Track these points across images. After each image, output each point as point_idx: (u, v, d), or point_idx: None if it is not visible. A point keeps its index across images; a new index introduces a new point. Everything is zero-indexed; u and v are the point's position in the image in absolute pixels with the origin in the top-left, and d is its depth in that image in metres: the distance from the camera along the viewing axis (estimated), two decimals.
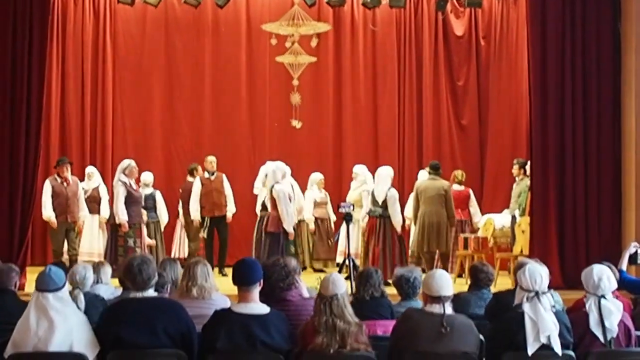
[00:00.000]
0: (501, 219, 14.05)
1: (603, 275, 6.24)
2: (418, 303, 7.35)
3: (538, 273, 5.95)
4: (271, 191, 12.50)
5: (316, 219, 14.85)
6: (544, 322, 5.81)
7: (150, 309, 5.69)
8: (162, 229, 14.61)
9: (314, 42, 13.44)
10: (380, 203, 13.12)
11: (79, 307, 6.16)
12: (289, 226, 12.30)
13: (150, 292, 5.82)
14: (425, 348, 5.72)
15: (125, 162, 13.05)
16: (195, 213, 14.32)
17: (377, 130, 16.80)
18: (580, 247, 12.39)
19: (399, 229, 13.05)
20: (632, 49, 12.32)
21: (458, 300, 7.71)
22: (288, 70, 14.28)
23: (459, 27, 16.89)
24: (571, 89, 12.47)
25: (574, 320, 6.22)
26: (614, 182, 12.47)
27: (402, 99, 16.80)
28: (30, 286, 10.03)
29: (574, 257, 12.26)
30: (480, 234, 13.91)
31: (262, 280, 5.91)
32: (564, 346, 5.87)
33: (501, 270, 13.15)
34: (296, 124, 14.16)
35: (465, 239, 13.61)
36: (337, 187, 16.05)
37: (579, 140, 12.46)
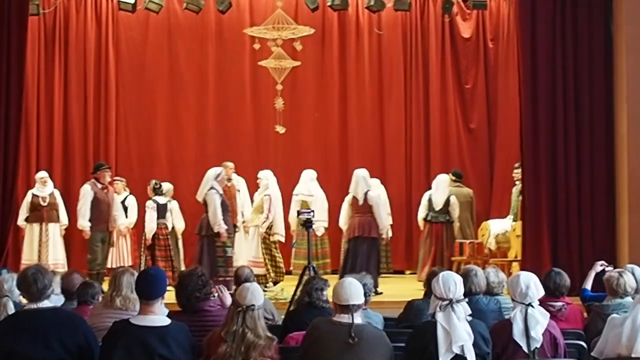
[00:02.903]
0: (502, 224, 13.79)
1: (530, 283, 6.01)
2: (368, 312, 7.20)
3: (452, 281, 5.73)
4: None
5: None
6: (457, 331, 5.59)
7: (45, 321, 5.50)
8: (179, 237, 14.52)
9: (298, 47, 13.26)
10: (438, 210, 13.58)
11: None
12: None
13: (46, 303, 5.61)
14: (332, 358, 5.52)
15: (218, 170, 12.61)
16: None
17: (384, 134, 16.60)
18: (573, 252, 12.10)
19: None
20: (623, 50, 11.98)
21: (410, 308, 7.54)
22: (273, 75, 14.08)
23: (466, 29, 16.65)
24: (562, 91, 12.20)
25: (497, 329, 6.02)
26: (607, 186, 12.16)
27: (409, 103, 16.59)
28: None
29: (567, 262, 11.88)
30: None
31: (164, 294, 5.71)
32: (480, 357, 5.65)
33: None
34: (280, 129, 13.97)
35: (461, 244, 13.40)
36: (344, 193, 15.78)
37: (571, 143, 12.18)
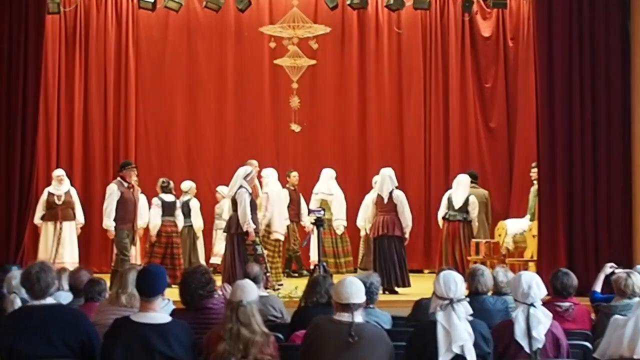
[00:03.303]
0: (520, 224, 13.74)
1: (532, 283, 5.94)
2: (375, 310, 7.21)
3: (453, 280, 5.70)
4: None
5: None
6: (457, 331, 5.55)
7: (48, 318, 5.55)
8: (199, 236, 14.61)
9: (314, 45, 13.24)
10: (457, 208, 13.71)
11: None
12: None
13: (49, 300, 5.66)
14: (331, 358, 5.50)
15: (248, 169, 12.48)
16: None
17: (403, 134, 16.59)
18: (589, 252, 11.98)
19: None
20: None
21: (419, 307, 7.52)
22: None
23: (486, 28, 16.60)
24: (579, 90, 12.11)
25: (499, 329, 5.98)
26: (624, 185, 12.05)
27: (429, 102, 16.58)
28: None
29: (583, 262, 11.85)
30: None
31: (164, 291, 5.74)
32: (480, 357, 5.60)
33: None
34: (295, 127, 13.97)
35: (477, 244, 13.35)
36: (362, 192, 15.79)
37: (588, 142, 12.08)
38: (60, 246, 13.86)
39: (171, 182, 13.94)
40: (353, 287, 5.67)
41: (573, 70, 12.12)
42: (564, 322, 6.91)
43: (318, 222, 10.39)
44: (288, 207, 14.37)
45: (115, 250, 12.84)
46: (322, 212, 10.67)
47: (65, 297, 7.79)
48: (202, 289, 6.27)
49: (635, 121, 12.01)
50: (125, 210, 12.62)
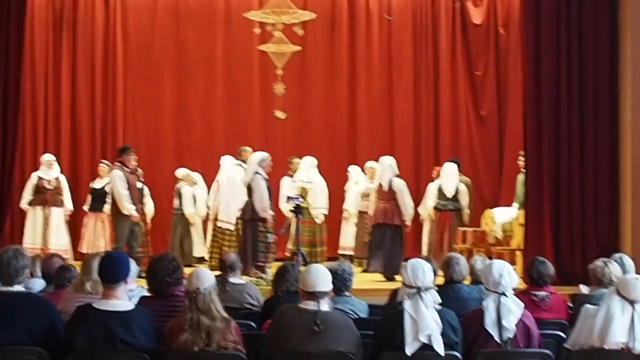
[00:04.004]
0: (509, 212, 13.65)
1: (504, 271, 5.85)
2: (351, 299, 7.11)
3: (421, 269, 5.62)
4: None
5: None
6: (424, 320, 5.48)
7: (13, 305, 5.49)
8: (192, 222, 14.68)
9: (299, 32, 13.11)
10: (450, 197, 13.60)
11: None
12: None
13: (18, 288, 5.61)
14: (297, 347, 5.42)
15: (262, 154, 12.44)
16: None
17: (393, 122, 16.46)
18: (575, 241, 11.89)
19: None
20: (628, 38, 11.78)
21: (395, 295, 7.42)
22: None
23: (477, 15, 16.47)
24: (567, 79, 11.97)
25: (469, 318, 5.90)
26: (610, 174, 11.92)
27: (419, 90, 16.44)
28: None
29: (569, 251, 11.81)
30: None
31: (127, 278, 5.66)
32: (448, 346, 5.53)
33: None
34: (280, 114, 13.86)
35: (464, 233, 13.27)
36: None
37: (575, 131, 11.95)
38: (49, 232, 13.75)
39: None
40: (319, 275, 5.60)
41: (561, 59, 11.97)
42: (540, 312, 6.86)
43: (297, 210, 10.30)
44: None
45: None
46: (301, 199, 10.58)
47: (38, 283, 7.73)
48: (170, 276, 6.17)
49: (623, 110, 11.89)
50: (131, 195, 12.50)
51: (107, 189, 13.74)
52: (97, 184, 14.20)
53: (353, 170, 14.82)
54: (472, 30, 16.45)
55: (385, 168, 13.01)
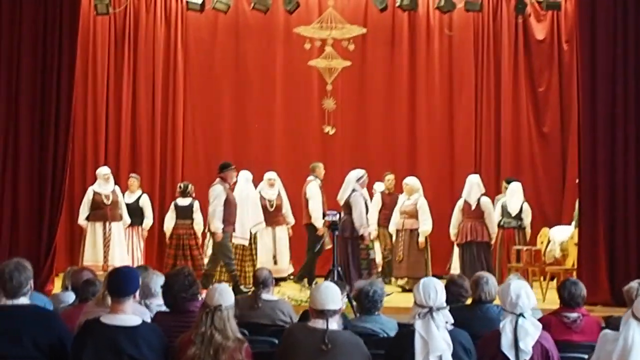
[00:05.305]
0: (566, 231, 13.41)
1: (521, 292, 5.68)
2: (380, 317, 7.01)
3: (433, 288, 5.49)
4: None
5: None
6: (435, 340, 5.34)
7: (18, 318, 5.47)
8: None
9: (350, 46, 13.04)
10: (513, 215, 13.66)
11: None
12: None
13: (22, 300, 5.57)
14: None
15: (360, 172, 12.62)
16: None
17: (453, 138, 16.30)
18: (631, 260, 11.61)
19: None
20: None
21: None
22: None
23: (539, 30, 16.22)
24: (623, 90, 11.75)
25: (486, 340, 5.75)
26: None
27: (480, 106, 16.24)
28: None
29: (624, 271, 11.46)
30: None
31: (137, 293, 5.64)
32: None
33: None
34: (329, 130, 13.80)
35: (518, 251, 13.03)
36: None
37: (632, 145, 11.70)
38: (110, 248, 13.75)
39: (189, 186, 14.01)
40: (328, 293, 5.52)
41: (617, 73, 11.76)
42: (571, 334, 6.69)
43: (333, 226, 10.22)
44: (380, 210, 14.27)
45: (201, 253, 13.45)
46: (337, 215, 10.50)
47: (70, 296, 7.78)
48: (185, 291, 6.14)
49: None
50: (229, 213, 12.59)
51: (140, 202, 14.04)
52: (128, 199, 14.24)
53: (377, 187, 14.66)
54: (534, 45, 16.21)
55: (473, 186, 13.35)
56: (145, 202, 14.30)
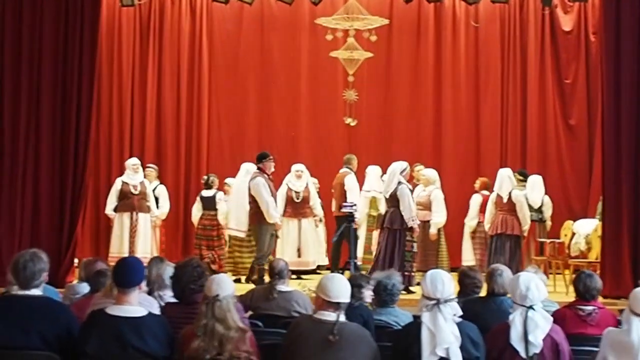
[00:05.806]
0: (590, 224, 13.27)
1: (531, 284, 5.60)
2: (395, 310, 6.98)
3: (440, 280, 5.42)
4: None
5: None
6: (442, 333, 5.28)
7: (28, 309, 5.46)
8: None
9: (372, 37, 12.96)
10: (535, 208, 13.55)
11: None
12: None
13: (35, 291, 5.56)
14: (310, 357, 5.29)
15: (403, 164, 12.41)
16: None
17: (479, 130, 16.19)
18: None
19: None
20: None
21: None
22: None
23: (567, 22, 16.06)
24: None
25: (495, 333, 5.68)
26: None
27: (506, 98, 16.11)
28: None
29: None
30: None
31: (143, 283, 5.62)
32: None
33: None
34: (350, 121, 13.72)
35: (541, 244, 12.94)
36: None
37: None
38: (136, 239, 13.73)
39: (211, 177, 14.11)
40: (342, 286, 5.48)
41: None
42: (586, 327, 6.60)
43: (349, 218, 10.15)
44: None
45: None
46: (354, 206, 10.42)
47: (85, 287, 7.76)
48: (194, 283, 6.10)
49: None
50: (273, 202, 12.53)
51: (156, 193, 14.08)
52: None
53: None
54: (561, 37, 16.06)
55: (504, 179, 13.24)
56: (162, 192, 14.31)
